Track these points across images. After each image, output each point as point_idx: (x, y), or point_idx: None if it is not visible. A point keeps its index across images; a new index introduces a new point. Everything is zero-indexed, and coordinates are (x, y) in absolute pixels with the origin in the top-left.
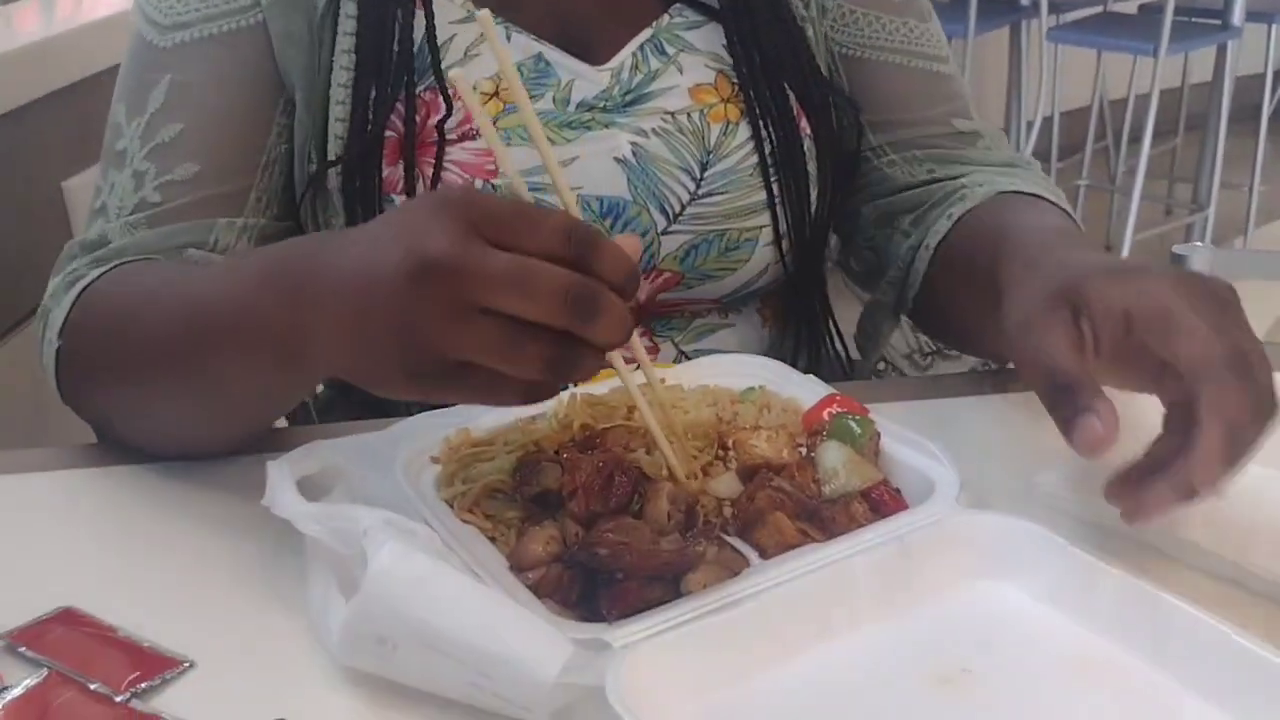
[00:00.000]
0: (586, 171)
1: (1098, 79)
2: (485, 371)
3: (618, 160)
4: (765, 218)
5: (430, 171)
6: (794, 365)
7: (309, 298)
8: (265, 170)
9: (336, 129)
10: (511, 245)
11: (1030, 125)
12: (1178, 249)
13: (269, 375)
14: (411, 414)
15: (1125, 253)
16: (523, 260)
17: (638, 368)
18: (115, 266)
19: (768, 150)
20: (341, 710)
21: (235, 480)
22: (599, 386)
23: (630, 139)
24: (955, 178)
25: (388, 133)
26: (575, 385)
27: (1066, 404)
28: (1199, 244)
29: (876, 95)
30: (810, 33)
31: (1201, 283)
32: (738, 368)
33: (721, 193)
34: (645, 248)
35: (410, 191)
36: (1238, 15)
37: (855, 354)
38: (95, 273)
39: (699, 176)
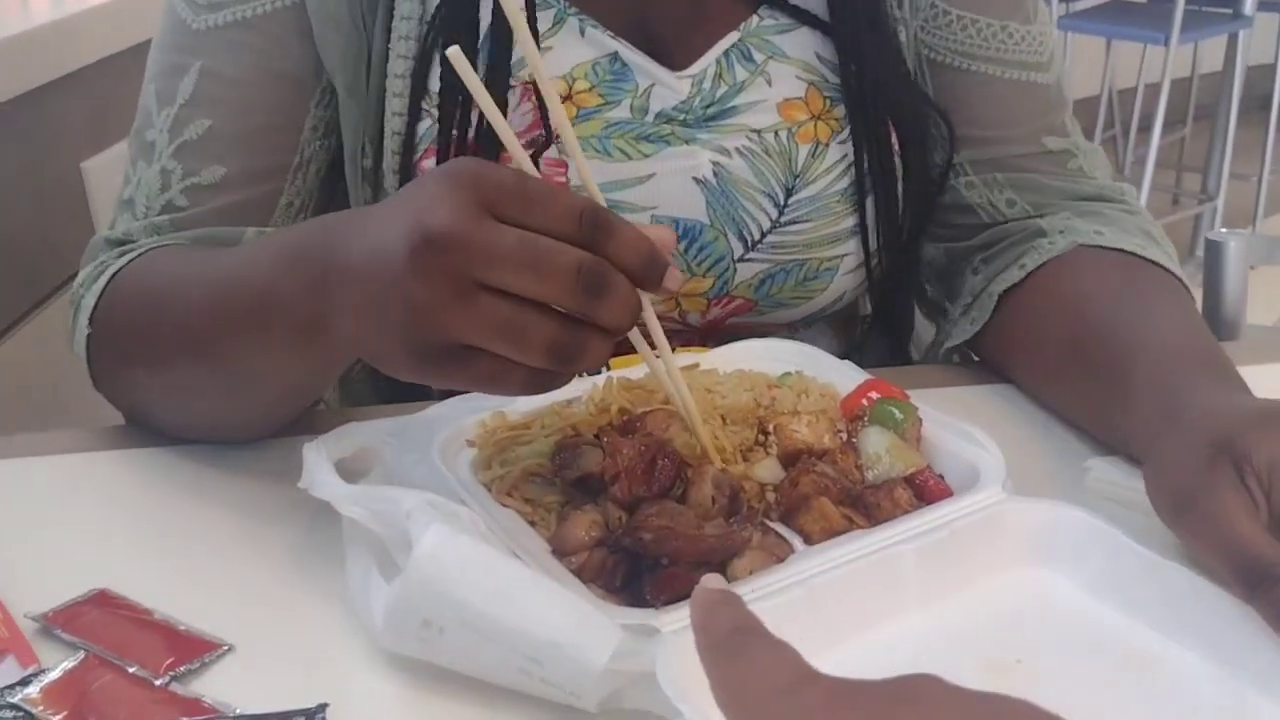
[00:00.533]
0: (662, 190)
1: (1107, 68)
2: (489, 357)
3: (697, 180)
4: (847, 246)
5: None
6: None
7: (328, 279)
8: (298, 172)
9: (394, 124)
10: (521, 222)
11: None
12: (1211, 236)
13: (294, 358)
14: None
15: None
16: (531, 237)
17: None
18: (144, 252)
19: (865, 171)
20: (385, 695)
21: (269, 463)
22: (634, 371)
23: (712, 158)
24: (1032, 216)
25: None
26: (609, 366)
27: (1268, 588)
28: (1231, 230)
29: (961, 107)
30: (903, 36)
31: None
32: (772, 352)
33: (805, 220)
34: (719, 275)
35: None
36: (1249, 4)
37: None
38: (129, 256)
39: (783, 203)
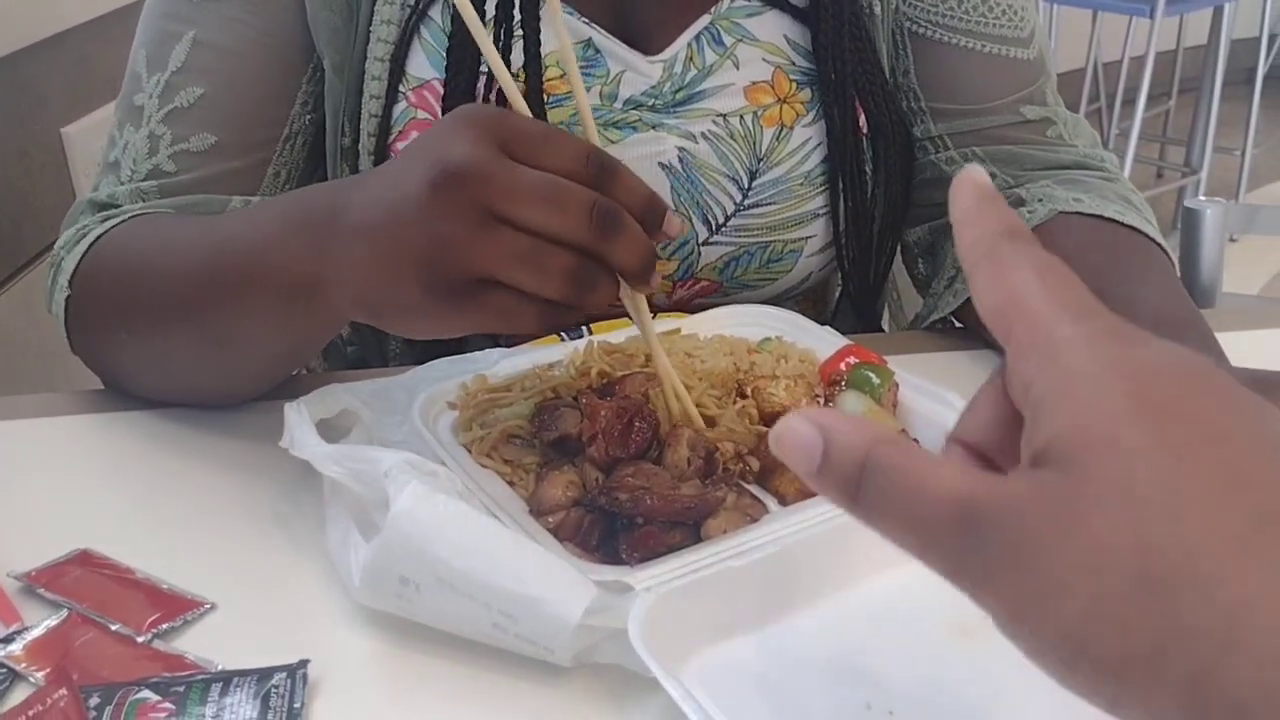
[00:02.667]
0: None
1: (1092, 41)
2: (505, 292)
3: (663, 166)
4: (812, 228)
5: None
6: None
7: (329, 231)
8: (286, 143)
9: (372, 106)
10: (534, 162)
11: None
12: (1190, 203)
13: (289, 321)
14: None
15: None
16: (548, 175)
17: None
18: (131, 218)
19: (835, 151)
20: (364, 651)
21: (250, 425)
22: (615, 335)
23: (678, 143)
24: (1013, 187)
25: (420, 113)
26: (590, 330)
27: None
28: (1210, 199)
29: (941, 80)
30: (878, 9)
31: None
32: (754, 318)
33: (769, 204)
34: (684, 258)
35: None
36: None
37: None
38: (113, 221)
39: (747, 186)
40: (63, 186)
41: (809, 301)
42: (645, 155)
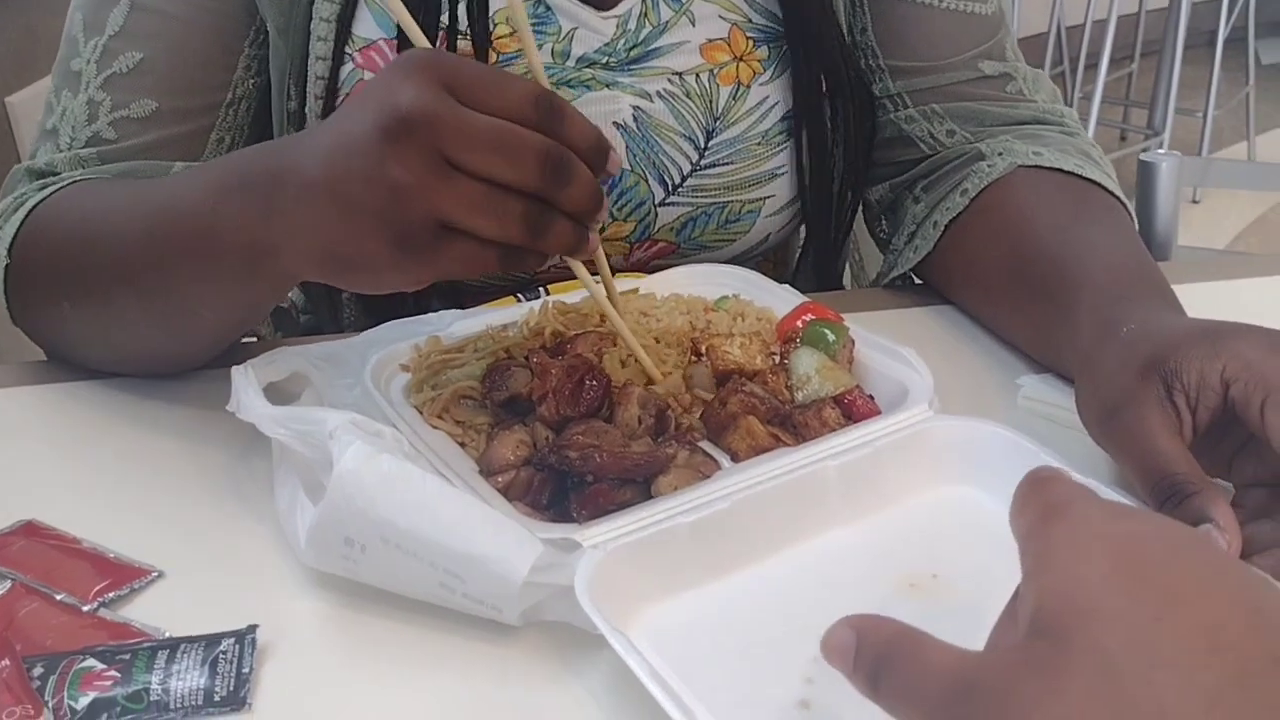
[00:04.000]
0: None
1: (1055, 4)
2: (465, 238)
3: (617, 125)
4: (769, 189)
5: None
6: None
7: (277, 193)
8: (229, 108)
9: (318, 69)
10: (482, 106)
11: None
12: (1145, 157)
13: (239, 285)
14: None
15: None
16: (499, 121)
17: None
18: (66, 185)
19: (799, 108)
20: (313, 615)
21: (197, 392)
22: (570, 295)
23: (633, 102)
24: (972, 143)
25: (368, 74)
26: (546, 291)
27: (1175, 504)
28: (1167, 151)
29: (898, 37)
30: None
31: None
32: (712, 277)
33: (726, 163)
34: (640, 219)
35: None
36: None
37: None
38: (51, 188)
39: (703, 146)
40: (7, 155)
41: (769, 263)
42: (599, 114)
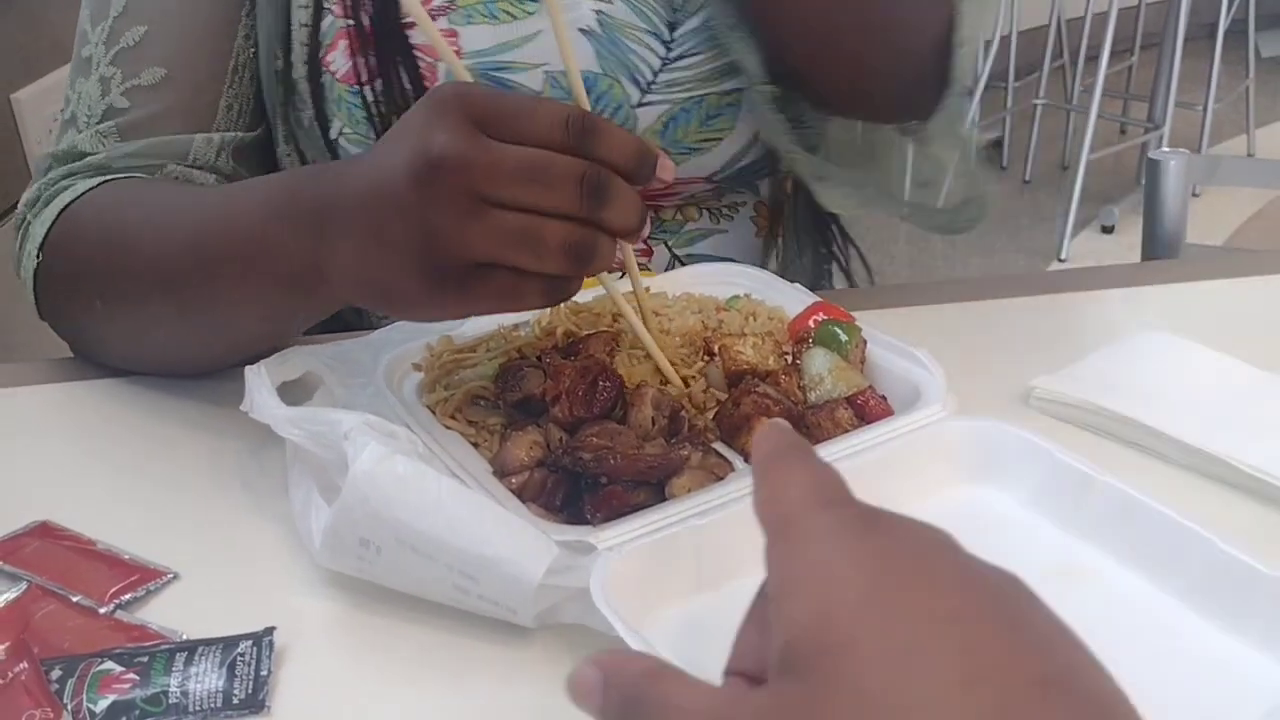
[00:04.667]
0: (550, 45)
1: None
2: (505, 272)
3: (583, 31)
4: (744, 79)
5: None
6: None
7: (323, 224)
8: (235, 75)
9: (300, 16)
10: (514, 137)
11: (988, 44)
12: (1153, 155)
13: (283, 305)
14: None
15: (1081, 171)
16: (530, 151)
17: (623, 275)
18: (102, 183)
19: None
20: (329, 617)
21: (211, 392)
22: (583, 295)
23: (593, 6)
24: None
25: (345, 20)
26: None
27: None
28: (1174, 149)
29: None
30: None
31: None
32: (723, 276)
33: (693, 54)
34: (622, 123)
35: (372, 82)
36: None
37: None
38: (82, 187)
39: (668, 39)
40: (13, 153)
41: (763, 220)
42: (563, 23)
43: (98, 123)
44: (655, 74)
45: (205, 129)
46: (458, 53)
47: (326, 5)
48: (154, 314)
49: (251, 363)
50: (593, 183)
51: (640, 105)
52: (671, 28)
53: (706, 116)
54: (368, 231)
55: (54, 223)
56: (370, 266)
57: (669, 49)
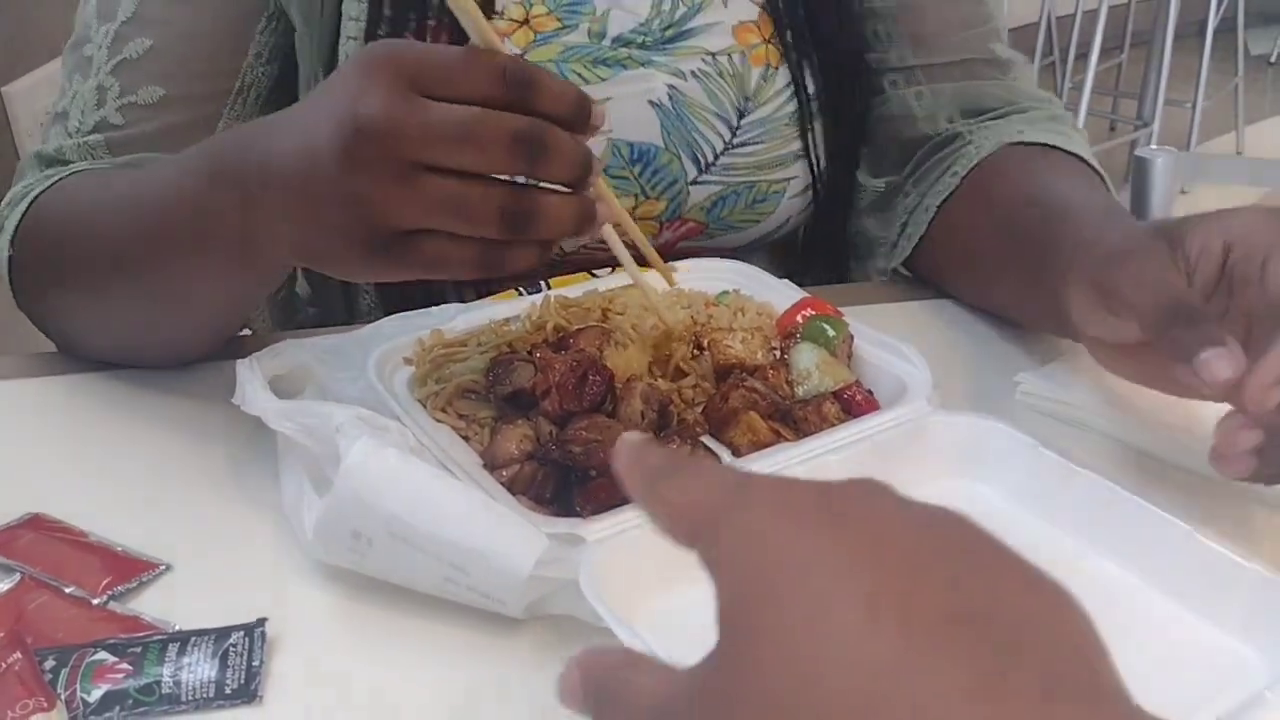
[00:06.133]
0: (618, 114)
1: None
2: (438, 238)
3: (652, 104)
4: (794, 169)
5: None
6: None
7: (253, 190)
8: (238, 96)
9: (349, 47)
10: (448, 93)
11: None
12: (1140, 153)
13: (229, 274)
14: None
15: None
16: (461, 111)
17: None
18: (69, 175)
19: (811, 94)
20: (321, 608)
21: (202, 385)
22: (571, 289)
23: (667, 81)
24: (960, 130)
25: None
26: (548, 285)
27: (1186, 335)
28: (1161, 147)
29: (912, 7)
30: None
31: None
32: (713, 272)
33: (756, 143)
34: (673, 198)
35: None
36: None
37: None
38: (55, 178)
39: (735, 125)
40: (4, 146)
41: (779, 249)
42: (635, 93)
43: (89, 132)
44: (717, 156)
45: None
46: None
47: (380, 33)
48: (115, 297)
49: (226, 350)
50: (526, 141)
51: (695, 183)
52: (740, 115)
53: (754, 200)
54: (298, 201)
55: (23, 216)
56: (302, 233)
57: (734, 134)
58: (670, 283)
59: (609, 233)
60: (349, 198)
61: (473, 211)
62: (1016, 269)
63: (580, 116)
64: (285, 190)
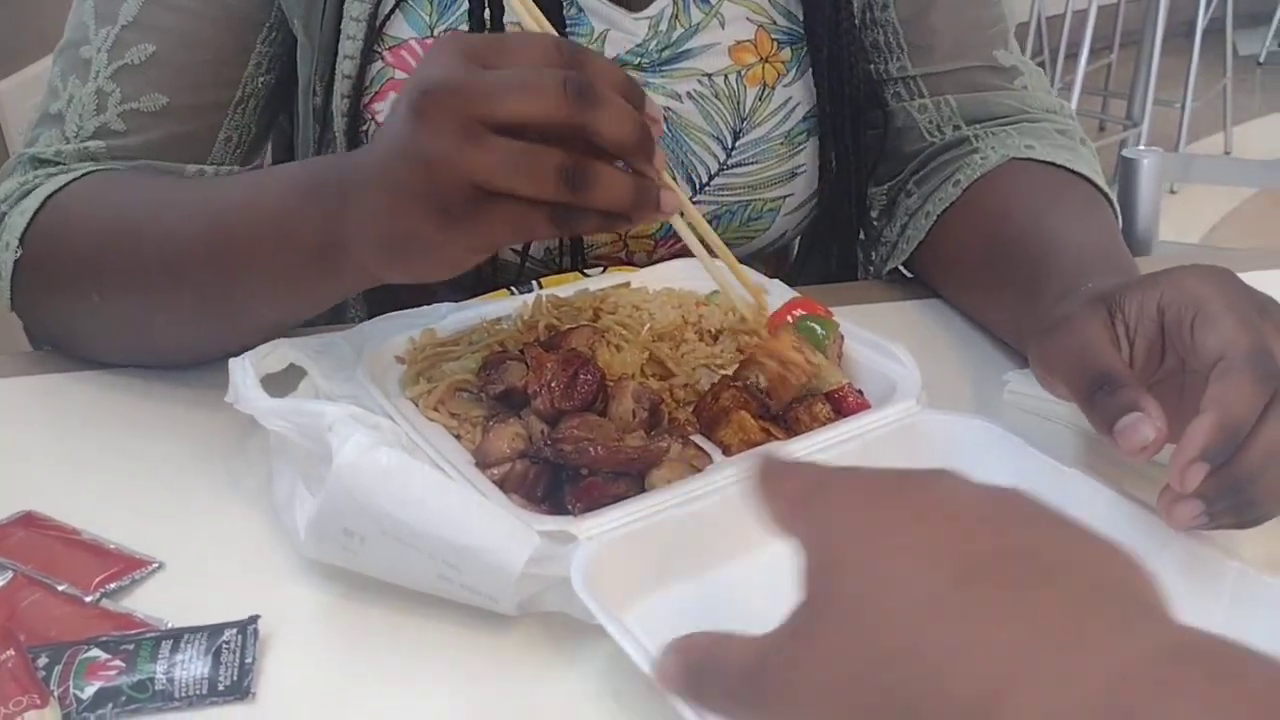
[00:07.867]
0: None
1: None
2: (508, 202)
3: None
4: (789, 188)
5: None
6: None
7: (345, 192)
8: (239, 106)
9: (346, 67)
10: (506, 64)
11: None
12: (1127, 153)
13: (311, 285)
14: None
15: None
16: (518, 68)
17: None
18: (87, 174)
19: (823, 109)
20: (313, 605)
21: (195, 382)
22: (563, 289)
23: (663, 103)
24: (970, 137)
25: (398, 73)
26: (539, 285)
27: (1107, 403)
28: (1148, 148)
29: (918, 17)
30: None
31: (1237, 281)
32: (701, 271)
33: (751, 163)
34: None
35: None
36: None
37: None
38: (63, 179)
39: (730, 146)
40: None
41: (771, 258)
42: None
43: (88, 137)
44: (711, 177)
45: (200, 160)
46: None
47: (378, 50)
48: (161, 302)
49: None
50: (577, 87)
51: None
52: (736, 135)
53: (748, 219)
54: (380, 179)
55: (36, 213)
56: (384, 217)
57: (729, 155)
58: (762, 306)
59: (679, 225)
60: (422, 160)
61: (536, 169)
62: (996, 303)
63: (630, 95)
64: (370, 183)
